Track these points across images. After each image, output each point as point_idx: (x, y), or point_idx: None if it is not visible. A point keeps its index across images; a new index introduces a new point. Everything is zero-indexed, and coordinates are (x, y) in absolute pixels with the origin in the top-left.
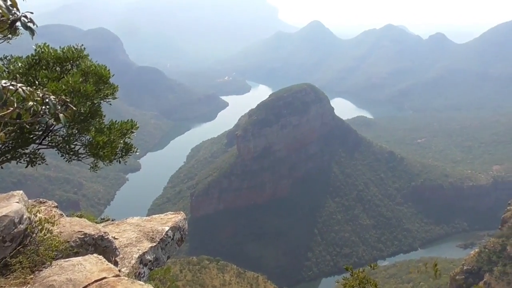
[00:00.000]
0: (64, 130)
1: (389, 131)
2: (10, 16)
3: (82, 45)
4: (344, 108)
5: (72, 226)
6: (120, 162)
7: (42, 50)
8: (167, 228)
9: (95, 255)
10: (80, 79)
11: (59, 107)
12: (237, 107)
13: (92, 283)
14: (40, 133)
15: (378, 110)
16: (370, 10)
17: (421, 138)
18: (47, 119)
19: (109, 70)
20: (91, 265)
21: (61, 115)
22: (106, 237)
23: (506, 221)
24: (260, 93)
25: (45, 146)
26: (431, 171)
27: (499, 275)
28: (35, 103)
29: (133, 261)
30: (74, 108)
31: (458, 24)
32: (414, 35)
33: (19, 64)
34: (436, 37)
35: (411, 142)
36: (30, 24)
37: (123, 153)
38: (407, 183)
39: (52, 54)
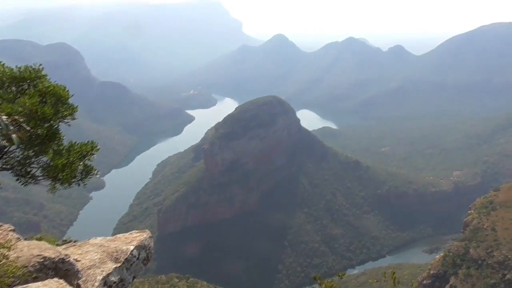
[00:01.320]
0: (19, 152)
1: (354, 140)
2: None
3: (41, 64)
4: (310, 119)
5: (31, 250)
6: (79, 185)
7: None
8: (132, 248)
9: (55, 279)
10: (38, 100)
11: (12, 127)
12: (204, 120)
13: None
14: None
15: (343, 121)
16: (331, 23)
17: (385, 146)
18: None
19: (68, 90)
20: None
21: (13, 135)
22: (67, 259)
23: (468, 224)
24: (227, 106)
25: None
26: (395, 179)
27: (464, 277)
28: None
29: (96, 284)
30: (28, 128)
31: (414, 37)
32: (374, 47)
33: None
34: (395, 49)
35: (376, 151)
36: None
37: (83, 176)
38: (373, 191)
39: (8, 73)
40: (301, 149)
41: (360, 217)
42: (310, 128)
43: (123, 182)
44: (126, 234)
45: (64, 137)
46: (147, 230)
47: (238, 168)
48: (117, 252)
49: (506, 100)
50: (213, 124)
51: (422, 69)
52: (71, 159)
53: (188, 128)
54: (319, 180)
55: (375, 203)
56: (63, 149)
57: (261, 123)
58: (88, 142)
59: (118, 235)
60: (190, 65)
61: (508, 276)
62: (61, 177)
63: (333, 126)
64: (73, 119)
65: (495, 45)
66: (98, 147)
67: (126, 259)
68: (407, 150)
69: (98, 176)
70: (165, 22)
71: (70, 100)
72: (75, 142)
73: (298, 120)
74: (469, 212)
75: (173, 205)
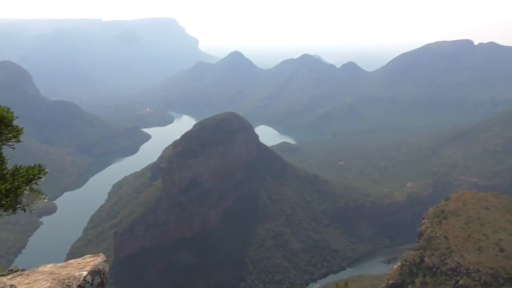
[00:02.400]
0: None
1: (312, 155)
2: None
3: None
4: (268, 135)
5: None
6: (25, 211)
7: None
8: (85, 273)
9: None
10: None
11: None
12: (161, 139)
13: None
14: None
15: (300, 136)
16: (285, 40)
17: (342, 160)
18: None
19: (12, 112)
20: None
21: None
22: None
23: (422, 234)
24: (184, 124)
25: None
26: (353, 192)
27: (420, 285)
28: None
29: None
30: None
31: (365, 54)
32: (328, 64)
33: None
34: (348, 65)
35: (333, 165)
36: None
37: (29, 201)
38: (332, 205)
39: None
40: (260, 165)
41: (320, 231)
42: (268, 144)
43: (76, 205)
44: (79, 259)
45: (9, 161)
46: (101, 254)
47: (197, 186)
48: (69, 279)
49: (451, 113)
50: (170, 142)
51: (374, 85)
52: (16, 183)
53: (144, 147)
54: (279, 195)
55: (334, 217)
56: (7, 173)
57: (220, 140)
58: (35, 165)
59: (70, 261)
60: (146, 83)
61: (460, 282)
62: (4, 203)
63: (291, 141)
64: (18, 141)
65: (440, 62)
66: (46, 170)
67: (79, 285)
68: (363, 163)
69: (46, 200)
70: (119, 39)
71: (16, 122)
72: (21, 166)
73: (256, 136)
74: (422, 221)
75: (130, 227)
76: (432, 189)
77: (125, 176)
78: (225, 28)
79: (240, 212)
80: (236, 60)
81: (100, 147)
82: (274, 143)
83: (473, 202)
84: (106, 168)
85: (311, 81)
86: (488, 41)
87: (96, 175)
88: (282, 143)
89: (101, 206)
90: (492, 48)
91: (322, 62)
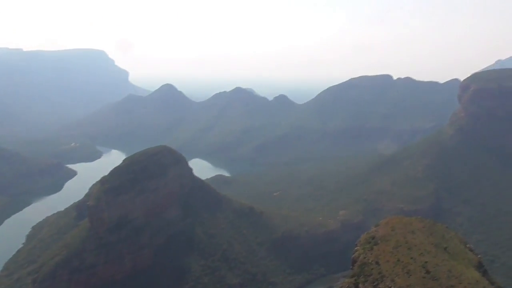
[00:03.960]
0: None
1: (247, 187)
2: None
3: None
4: (202, 168)
5: None
6: None
7: None
8: None
9: None
10: None
11: None
12: (87, 175)
13: None
14: None
15: (235, 168)
16: (217, 71)
17: (277, 191)
18: None
19: None
20: None
21: None
22: None
23: (356, 260)
24: (113, 159)
25: None
26: (289, 222)
27: None
28: None
29: None
30: None
31: (294, 87)
32: (260, 97)
33: None
34: (279, 98)
35: (269, 196)
36: None
37: None
38: (268, 236)
39: None
40: (195, 199)
41: (258, 264)
42: (203, 177)
43: None
44: None
45: None
46: None
47: (128, 224)
48: None
49: (376, 143)
50: (98, 179)
51: (305, 117)
52: None
53: (69, 184)
54: (215, 229)
55: (271, 248)
56: None
57: (152, 174)
58: None
59: None
60: (72, 117)
61: None
62: None
63: (226, 174)
64: None
65: (364, 95)
66: None
67: None
68: (297, 193)
69: None
70: (42, 70)
71: None
72: None
73: (190, 170)
74: (355, 248)
75: (52, 272)
76: (363, 216)
77: (47, 217)
78: (157, 59)
79: (175, 250)
80: (168, 92)
81: (18, 186)
82: (209, 176)
83: (401, 227)
84: (25, 209)
85: (244, 113)
86: (404, 76)
87: (13, 217)
88: (217, 175)
89: (18, 251)
90: (408, 82)
91: (254, 94)
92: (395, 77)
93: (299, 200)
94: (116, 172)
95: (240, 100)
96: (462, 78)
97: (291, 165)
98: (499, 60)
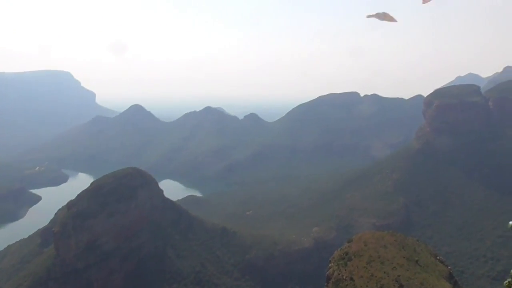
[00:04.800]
0: None
1: (219, 207)
2: None
3: None
4: (173, 189)
5: None
6: None
7: None
8: None
9: None
10: None
11: None
12: (53, 200)
13: None
14: None
15: (207, 188)
16: (185, 90)
17: (249, 210)
18: None
19: None
20: None
21: None
22: None
23: (330, 277)
24: (80, 182)
25: None
26: (262, 241)
27: None
28: None
29: None
30: None
31: (264, 105)
32: (231, 116)
33: None
34: (250, 116)
35: (241, 215)
36: None
37: None
38: (242, 257)
39: None
40: (166, 221)
41: (232, 285)
42: (174, 198)
43: None
44: None
45: None
46: None
47: (96, 249)
48: None
49: (346, 159)
50: (64, 203)
51: (275, 135)
52: None
53: (33, 210)
54: (187, 251)
55: (245, 269)
56: None
57: (121, 197)
58: None
59: None
60: (36, 140)
61: None
62: None
63: (198, 194)
64: None
65: (333, 112)
66: None
67: None
68: (269, 211)
69: None
70: (4, 92)
71: None
72: None
73: (161, 191)
74: (329, 265)
75: None
76: (336, 232)
77: (9, 245)
78: (125, 79)
79: (146, 274)
80: (137, 113)
81: None
82: (180, 197)
83: (373, 242)
84: None
85: (214, 132)
86: (371, 93)
87: None
88: (189, 196)
89: None
90: (375, 99)
91: (225, 114)
92: (362, 94)
93: (272, 218)
94: (84, 195)
95: (210, 120)
96: (425, 94)
97: (263, 183)
98: (459, 76)
